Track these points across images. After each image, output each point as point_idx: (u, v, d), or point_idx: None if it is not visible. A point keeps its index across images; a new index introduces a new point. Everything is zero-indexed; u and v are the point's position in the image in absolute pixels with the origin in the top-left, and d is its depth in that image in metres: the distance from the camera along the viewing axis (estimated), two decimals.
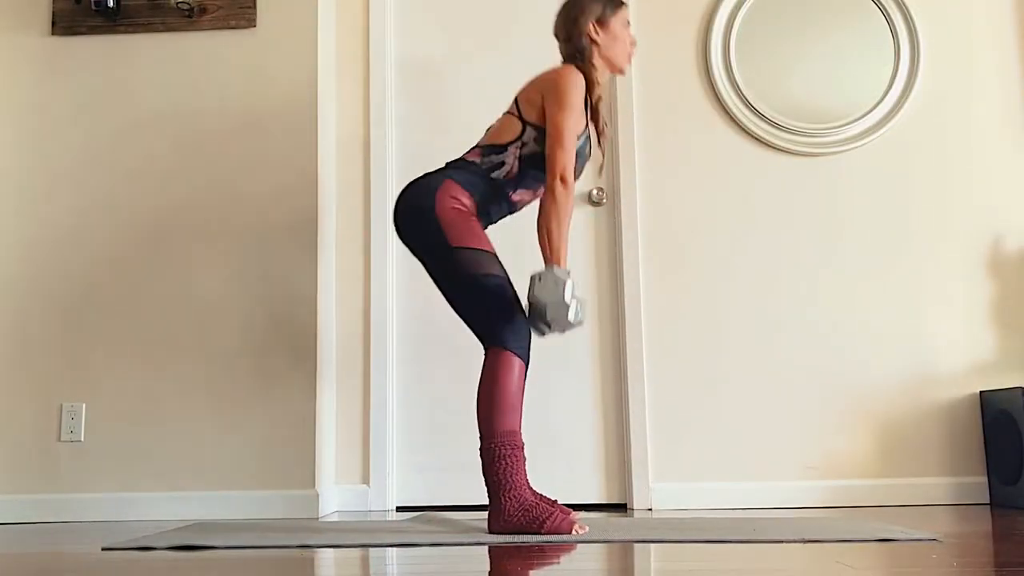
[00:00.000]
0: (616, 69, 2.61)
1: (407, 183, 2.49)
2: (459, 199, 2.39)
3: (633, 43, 2.62)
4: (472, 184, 2.43)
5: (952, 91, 3.30)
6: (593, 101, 2.51)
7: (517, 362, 2.31)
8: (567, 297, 2.27)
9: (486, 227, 2.49)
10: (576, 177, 2.49)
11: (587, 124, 2.50)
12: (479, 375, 2.34)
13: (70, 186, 3.10)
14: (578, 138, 2.44)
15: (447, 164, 2.51)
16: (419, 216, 2.39)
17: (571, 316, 2.29)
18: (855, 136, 3.26)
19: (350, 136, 3.33)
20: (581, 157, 2.50)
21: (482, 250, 2.37)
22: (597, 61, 2.53)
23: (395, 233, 3.18)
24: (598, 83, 2.52)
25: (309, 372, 2.98)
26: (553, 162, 2.38)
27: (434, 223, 2.36)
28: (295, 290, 3.02)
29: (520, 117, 2.47)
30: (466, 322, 2.40)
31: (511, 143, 2.46)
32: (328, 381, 3.11)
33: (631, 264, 3.21)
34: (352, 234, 3.27)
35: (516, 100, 2.51)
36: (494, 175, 2.45)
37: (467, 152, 2.51)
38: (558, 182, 2.37)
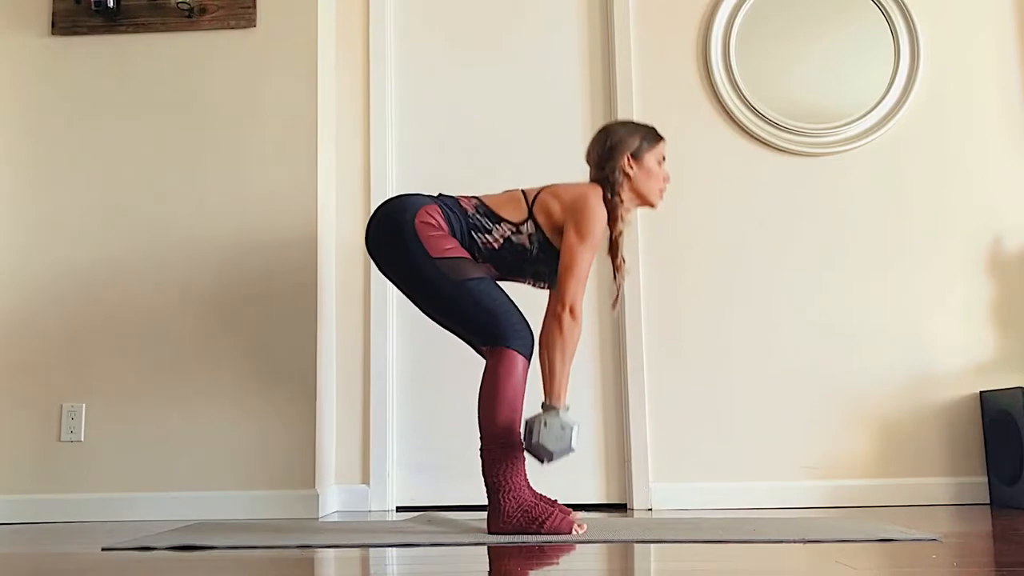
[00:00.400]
0: (646, 203, 2.54)
1: (386, 199, 2.47)
2: (437, 220, 2.36)
3: (667, 179, 2.54)
4: (452, 223, 2.39)
5: (952, 91, 3.30)
6: (613, 235, 2.46)
7: (520, 360, 2.30)
8: (574, 443, 2.24)
9: None
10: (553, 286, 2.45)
11: None
12: (480, 375, 2.34)
13: (70, 186, 3.10)
14: None
15: (439, 194, 2.48)
16: (396, 229, 2.35)
17: (573, 449, 2.26)
18: (855, 136, 3.26)
19: (350, 135, 3.33)
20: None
21: (463, 257, 2.35)
22: (626, 195, 2.47)
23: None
24: (622, 218, 2.46)
25: (309, 372, 2.98)
26: (564, 291, 2.34)
27: (411, 235, 2.32)
28: (295, 290, 3.02)
29: (530, 209, 2.41)
30: (459, 333, 2.39)
31: (506, 222, 2.41)
32: (328, 381, 3.11)
33: (631, 263, 3.19)
34: (352, 232, 3.27)
35: (537, 193, 2.44)
36: (474, 234, 2.41)
37: (463, 196, 2.48)
38: (567, 313, 2.33)
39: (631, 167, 2.47)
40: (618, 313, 3.22)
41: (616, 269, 2.51)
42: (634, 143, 2.48)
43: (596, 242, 2.38)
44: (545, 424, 2.25)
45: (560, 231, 2.40)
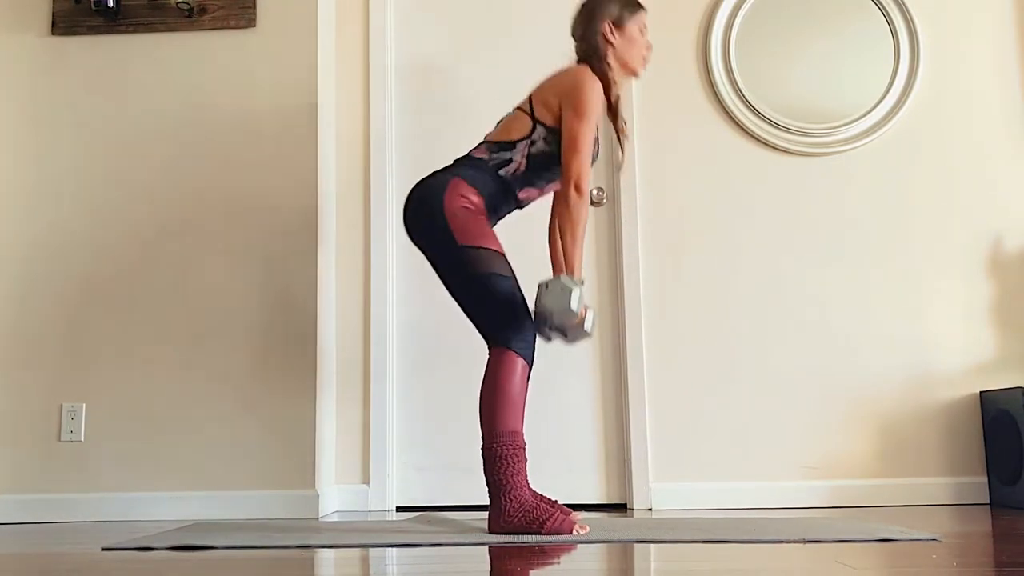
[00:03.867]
0: (630, 72, 2.59)
1: (417, 182, 2.48)
2: (467, 197, 2.38)
3: (649, 47, 2.60)
4: (480, 181, 2.41)
5: (952, 91, 3.30)
6: (612, 100, 2.51)
7: (520, 362, 2.30)
8: (573, 304, 2.24)
9: (494, 224, 2.48)
10: None
11: (596, 127, 2.48)
12: (480, 375, 2.34)
13: (70, 186, 3.10)
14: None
15: (455, 161, 2.49)
16: (428, 214, 2.37)
17: (586, 326, 2.27)
18: (855, 136, 3.26)
19: (350, 135, 3.33)
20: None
21: (490, 249, 2.35)
22: (612, 62, 2.52)
23: (396, 234, 3.19)
24: (615, 82, 2.51)
25: (309, 372, 2.98)
26: (568, 170, 2.37)
27: (442, 221, 2.34)
28: (295, 291, 3.02)
29: (532, 115, 2.45)
30: (472, 321, 2.40)
31: (521, 140, 2.44)
32: (328, 381, 3.11)
33: (631, 264, 3.21)
34: (352, 235, 3.27)
35: (530, 98, 2.49)
36: (501, 172, 2.43)
37: (474, 149, 2.50)
38: (572, 190, 2.36)
39: (613, 35, 2.52)
40: (619, 313, 3.22)
41: (619, 132, 2.58)
42: (614, 11, 2.54)
43: (594, 118, 2.41)
44: (547, 287, 2.27)
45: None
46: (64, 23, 3.17)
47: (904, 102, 3.27)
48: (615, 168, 2.70)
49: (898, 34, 3.31)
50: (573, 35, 2.58)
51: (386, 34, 3.39)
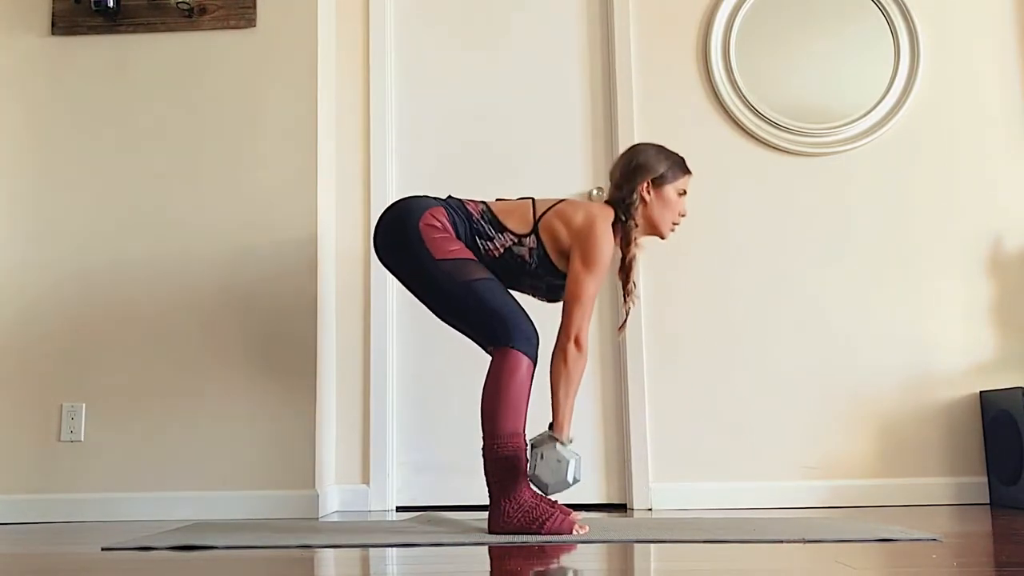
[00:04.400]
0: (655, 234, 2.51)
1: (391, 203, 2.46)
2: (442, 222, 2.36)
3: (683, 213, 2.51)
4: (456, 226, 2.38)
5: (952, 91, 3.30)
6: (626, 259, 2.44)
7: (524, 361, 2.30)
8: (569, 477, 2.23)
9: None
10: (557, 299, 2.44)
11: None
12: (481, 376, 2.33)
13: (70, 186, 3.10)
14: None
15: (447, 197, 2.48)
16: (401, 232, 2.35)
17: (570, 483, 2.25)
18: (856, 136, 3.26)
19: (350, 135, 3.33)
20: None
21: (468, 259, 2.35)
22: (640, 220, 2.44)
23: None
24: (635, 241, 2.43)
25: (309, 372, 2.98)
26: (569, 321, 2.33)
27: (416, 239, 2.32)
28: (295, 289, 3.02)
29: (535, 226, 2.39)
30: (467, 333, 2.39)
31: (509, 232, 2.39)
32: (328, 381, 3.11)
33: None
34: (352, 230, 3.27)
35: (547, 210, 2.40)
36: (478, 240, 2.40)
37: (470, 200, 2.47)
38: (572, 344, 2.32)
39: (649, 193, 2.45)
40: (619, 314, 3.22)
41: (626, 293, 2.48)
42: (659, 169, 2.46)
43: (603, 271, 2.36)
44: (542, 456, 2.25)
45: (564, 254, 2.38)
46: (64, 23, 3.17)
47: (904, 102, 3.27)
48: (618, 328, 2.58)
49: (898, 34, 3.31)
50: (611, 177, 2.52)
51: (386, 34, 3.39)
